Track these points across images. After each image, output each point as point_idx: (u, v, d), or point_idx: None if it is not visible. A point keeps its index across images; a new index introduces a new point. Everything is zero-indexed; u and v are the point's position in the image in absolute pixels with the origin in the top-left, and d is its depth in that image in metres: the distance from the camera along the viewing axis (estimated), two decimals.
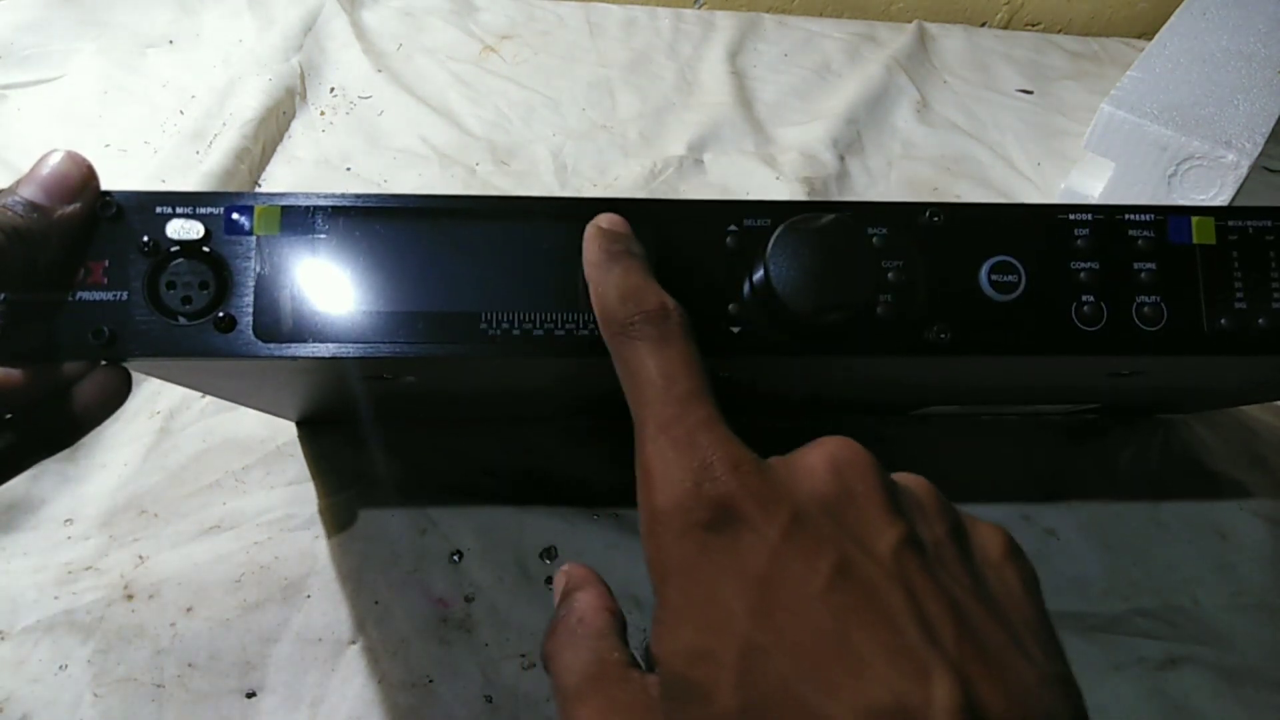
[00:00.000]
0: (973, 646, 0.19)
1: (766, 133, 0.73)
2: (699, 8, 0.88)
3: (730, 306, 0.31)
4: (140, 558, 0.45)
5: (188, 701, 0.41)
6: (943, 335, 0.31)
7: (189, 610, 0.43)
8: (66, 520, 0.46)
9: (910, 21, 0.87)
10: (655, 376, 0.24)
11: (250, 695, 0.41)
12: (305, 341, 0.29)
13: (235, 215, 0.29)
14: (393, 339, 0.29)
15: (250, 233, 0.29)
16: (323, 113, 0.70)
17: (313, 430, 0.50)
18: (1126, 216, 0.32)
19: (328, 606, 0.44)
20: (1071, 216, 0.32)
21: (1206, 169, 0.60)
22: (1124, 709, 0.44)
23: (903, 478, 0.24)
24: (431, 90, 0.72)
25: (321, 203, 0.30)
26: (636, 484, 0.23)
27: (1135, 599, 0.48)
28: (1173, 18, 0.73)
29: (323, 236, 0.30)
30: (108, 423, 0.49)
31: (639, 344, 0.24)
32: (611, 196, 0.33)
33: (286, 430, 0.50)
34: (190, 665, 0.42)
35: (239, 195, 0.30)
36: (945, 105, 0.78)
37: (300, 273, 0.29)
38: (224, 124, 0.65)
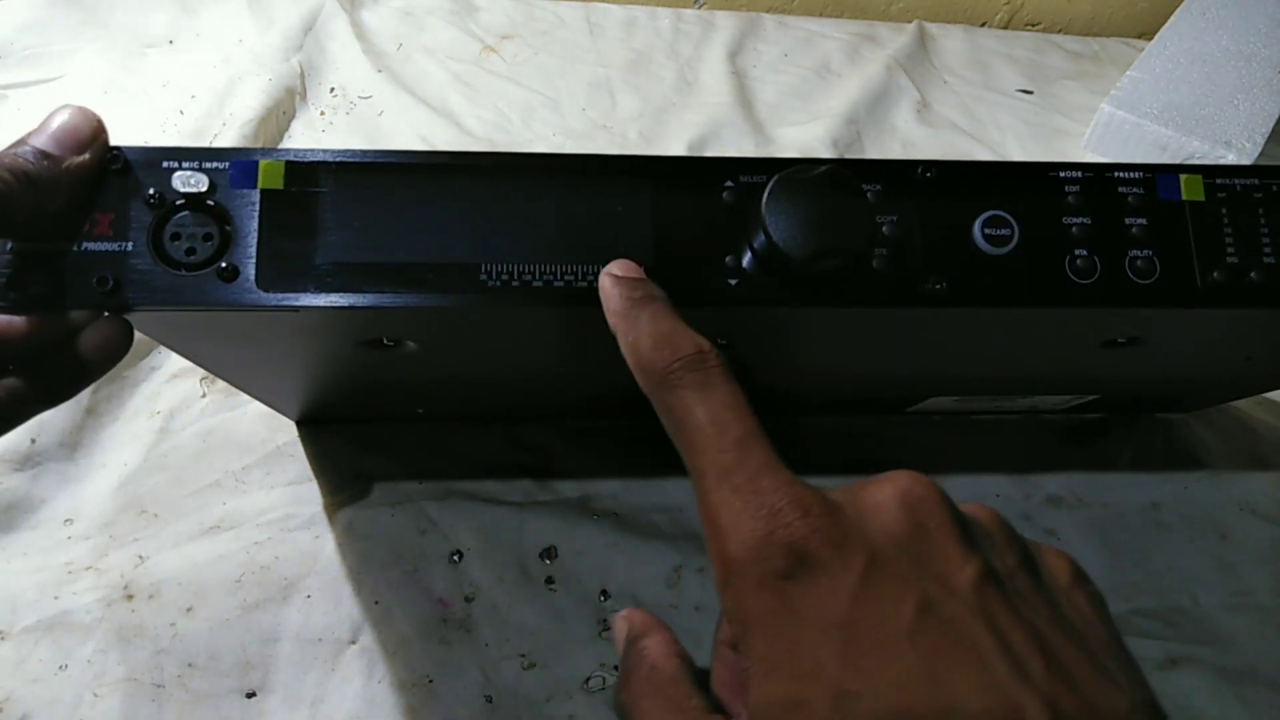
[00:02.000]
0: (1061, 677, 0.19)
1: (766, 133, 0.73)
2: (699, 8, 0.88)
3: (727, 259, 0.31)
4: (140, 558, 0.45)
5: (188, 701, 0.41)
6: (938, 286, 0.31)
7: (189, 610, 0.43)
8: (66, 520, 0.46)
9: (910, 21, 0.87)
10: (705, 423, 0.23)
11: (250, 695, 0.41)
12: (306, 292, 0.30)
13: (240, 169, 0.30)
14: (393, 290, 0.30)
15: (254, 186, 0.30)
16: (323, 113, 0.70)
17: (313, 430, 0.50)
18: (1116, 174, 0.33)
19: (328, 606, 0.44)
20: (1062, 174, 0.33)
21: None
22: None
23: (968, 509, 0.24)
24: (431, 90, 0.72)
25: (325, 158, 0.30)
26: (704, 535, 0.23)
27: (1135, 599, 0.48)
28: (1173, 18, 0.73)
29: (325, 190, 0.30)
30: (108, 423, 0.49)
31: (682, 391, 0.24)
32: (608, 153, 0.33)
33: (287, 430, 0.50)
34: (190, 665, 0.42)
35: (245, 150, 0.30)
36: (945, 105, 0.78)
37: (303, 225, 0.30)
38: (224, 124, 0.65)
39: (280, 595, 0.44)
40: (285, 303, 0.29)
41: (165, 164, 0.30)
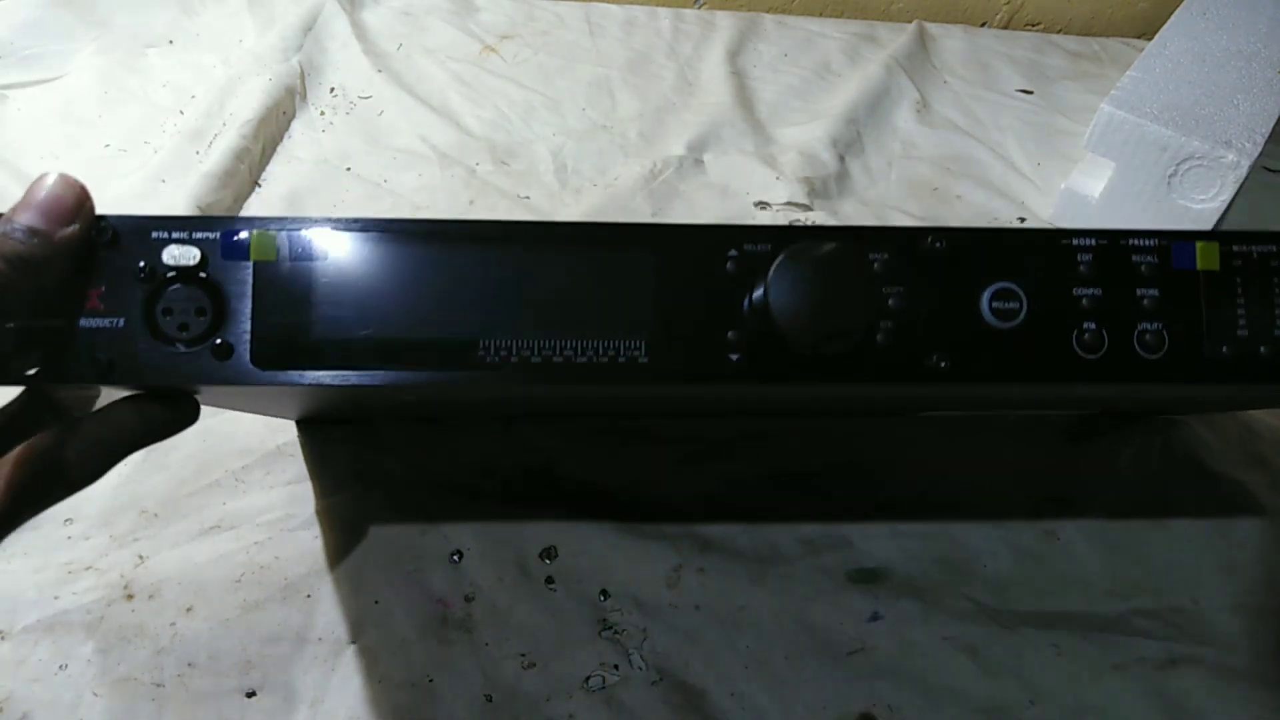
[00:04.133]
0: None
1: (766, 133, 0.73)
2: (699, 8, 0.88)
3: (730, 334, 0.30)
4: (140, 557, 0.45)
5: (188, 701, 0.41)
6: (942, 364, 0.31)
7: (189, 610, 0.43)
8: (66, 520, 0.46)
9: (910, 21, 0.87)
10: None
11: (250, 695, 0.41)
12: (303, 369, 0.29)
13: (231, 240, 0.29)
14: (390, 366, 0.29)
15: (247, 258, 0.29)
16: (323, 113, 0.70)
17: (312, 430, 0.50)
18: (1130, 242, 0.32)
19: (328, 606, 0.44)
20: (1075, 242, 0.32)
21: (1206, 169, 0.60)
22: (1124, 709, 0.44)
23: None
24: (431, 90, 0.72)
25: (319, 228, 0.30)
26: None
27: (1135, 599, 0.48)
28: (1173, 18, 0.73)
29: (320, 262, 0.30)
30: None
31: None
32: (615, 221, 0.33)
33: (286, 430, 0.50)
34: (190, 665, 0.42)
35: (235, 220, 0.30)
36: (945, 105, 0.78)
37: (297, 299, 0.29)
38: (224, 124, 0.65)
39: (280, 595, 0.44)
40: (281, 380, 0.29)
41: (155, 234, 0.29)
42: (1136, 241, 0.32)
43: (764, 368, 0.30)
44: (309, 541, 0.46)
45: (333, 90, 0.71)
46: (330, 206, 0.63)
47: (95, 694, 0.41)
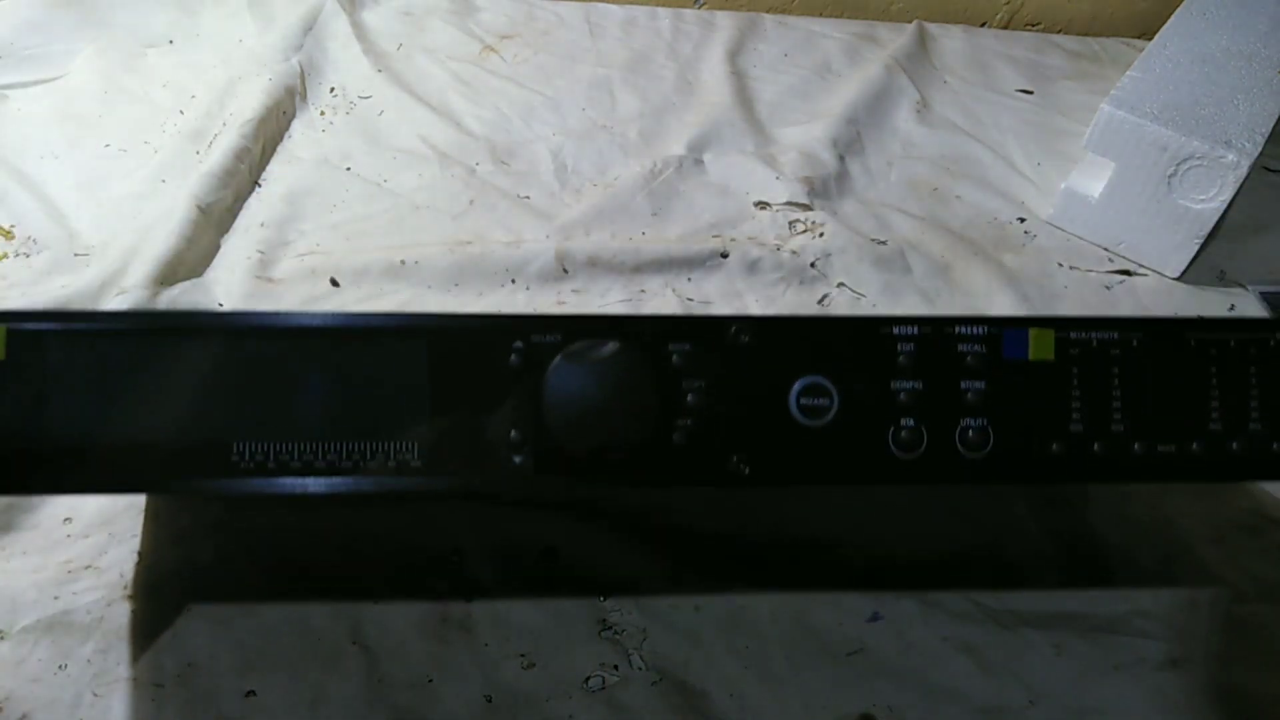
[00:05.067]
0: None
1: (766, 133, 0.73)
2: (699, 8, 0.88)
3: (512, 434, 0.28)
4: (140, 556, 0.45)
5: (188, 701, 0.41)
6: (745, 467, 0.29)
7: (189, 609, 0.43)
8: (65, 519, 0.46)
9: (910, 21, 0.87)
10: None
11: (250, 695, 0.41)
12: (37, 475, 0.27)
13: None
14: (131, 475, 0.27)
15: None
16: (323, 112, 0.70)
17: None
18: (958, 330, 0.30)
19: (327, 605, 0.44)
20: (896, 330, 0.30)
21: (1206, 169, 0.60)
22: (1124, 709, 0.44)
23: None
24: (431, 90, 0.73)
25: (52, 326, 0.27)
26: None
27: (1135, 599, 0.48)
28: (1173, 18, 0.74)
29: (55, 360, 0.27)
30: None
31: None
32: (388, 310, 0.31)
33: None
34: (190, 665, 0.42)
35: None
36: (945, 105, 0.78)
37: (29, 399, 0.27)
38: (224, 124, 0.65)
39: (280, 594, 0.44)
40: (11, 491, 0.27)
41: None
42: (964, 329, 0.30)
43: (550, 471, 0.28)
44: (309, 540, 0.46)
45: (333, 90, 0.71)
46: (330, 206, 0.63)
47: (95, 694, 0.40)
